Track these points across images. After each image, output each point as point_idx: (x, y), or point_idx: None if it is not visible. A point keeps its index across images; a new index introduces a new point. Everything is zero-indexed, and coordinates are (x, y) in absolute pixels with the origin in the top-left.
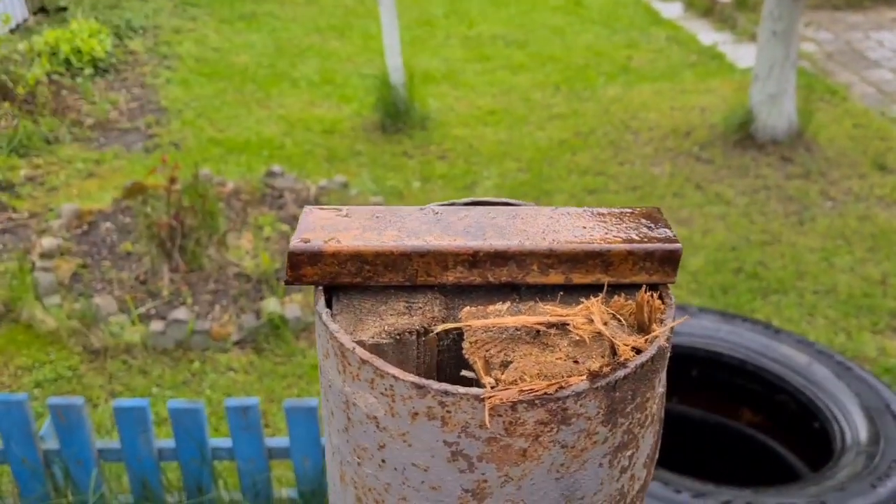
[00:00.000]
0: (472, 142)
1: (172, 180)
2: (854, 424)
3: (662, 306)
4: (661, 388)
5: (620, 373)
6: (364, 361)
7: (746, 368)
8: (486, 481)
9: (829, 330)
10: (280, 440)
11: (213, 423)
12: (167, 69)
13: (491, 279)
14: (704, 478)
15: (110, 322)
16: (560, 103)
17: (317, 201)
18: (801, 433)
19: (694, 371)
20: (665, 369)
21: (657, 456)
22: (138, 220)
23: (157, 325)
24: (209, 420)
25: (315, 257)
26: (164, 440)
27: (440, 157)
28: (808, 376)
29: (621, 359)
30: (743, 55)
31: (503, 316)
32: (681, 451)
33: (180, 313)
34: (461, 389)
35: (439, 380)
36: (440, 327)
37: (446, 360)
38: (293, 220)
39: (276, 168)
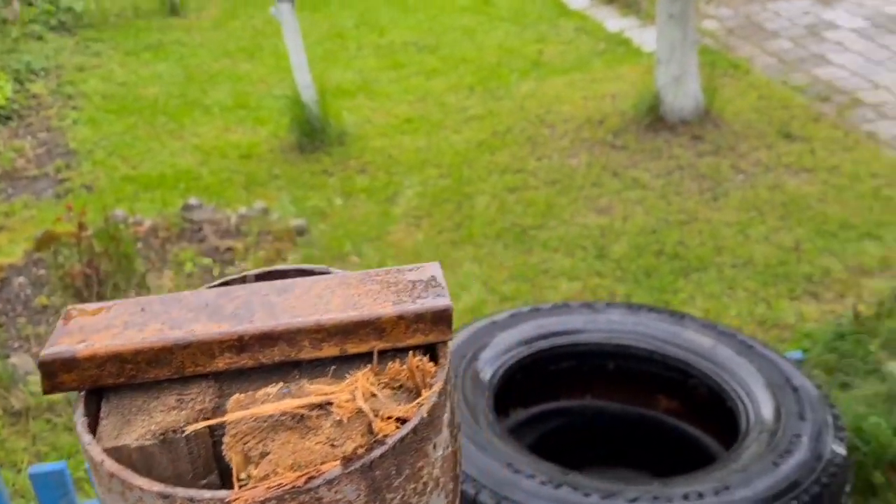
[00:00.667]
0: (392, 152)
1: (81, 226)
2: (758, 403)
3: (433, 368)
4: (441, 450)
5: (377, 452)
6: (112, 475)
7: (655, 358)
8: None
9: (749, 301)
10: None
11: None
12: (73, 109)
13: (263, 360)
14: (629, 468)
15: (29, 381)
16: (475, 104)
17: (237, 230)
18: (714, 415)
19: (610, 365)
20: (448, 429)
21: None
22: (51, 271)
23: None
24: None
25: (69, 363)
26: (91, 501)
27: (360, 171)
28: (713, 359)
29: (379, 436)
30: (648, 39)
31: (271, 400)
32: (604, 446)
33: None
34: (206, 494)
35: (221, 470)
36: (191, 427)
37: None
38: (215, 253)
39: (194, 201)
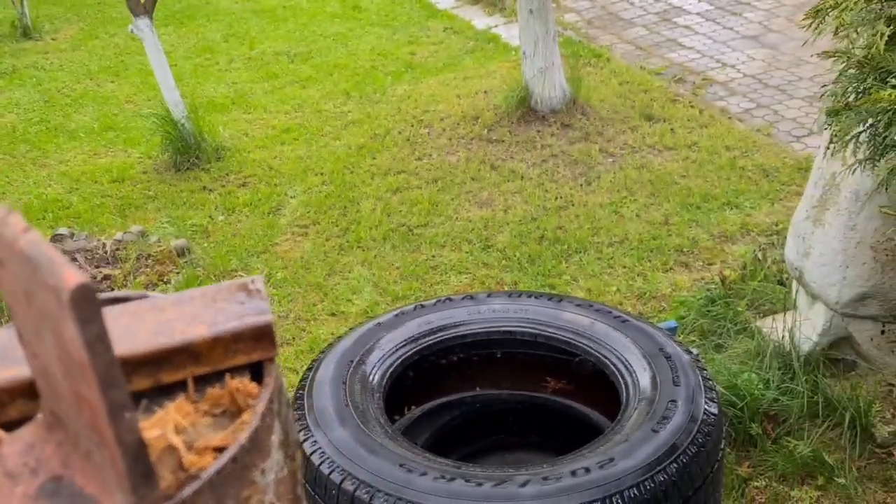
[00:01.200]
0: (272, 163)
1: None
2: (636, 374)
3: (256, 389)
4: (272, 475)
5: (188, 490)
6: None
7: (539, 341)
8: None
9: (627, 277)
10: None
11: None
12: None
13: None
14: (527, 452)
15: None
16: (353, 109)
17: (114, 256)
18: (600, 390)
19: (497, 353)
20: (280, 450)
21: None
22: None
23: None
24: None
25: None
26: None
27: (241, 185)
28: (591, 336)
29: (192, 470)
30: (515, 34)
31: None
32: (500, 433)
33: None
34: None
35: None
36: None
37: None
38: (91, 281)
39: (63, 230)
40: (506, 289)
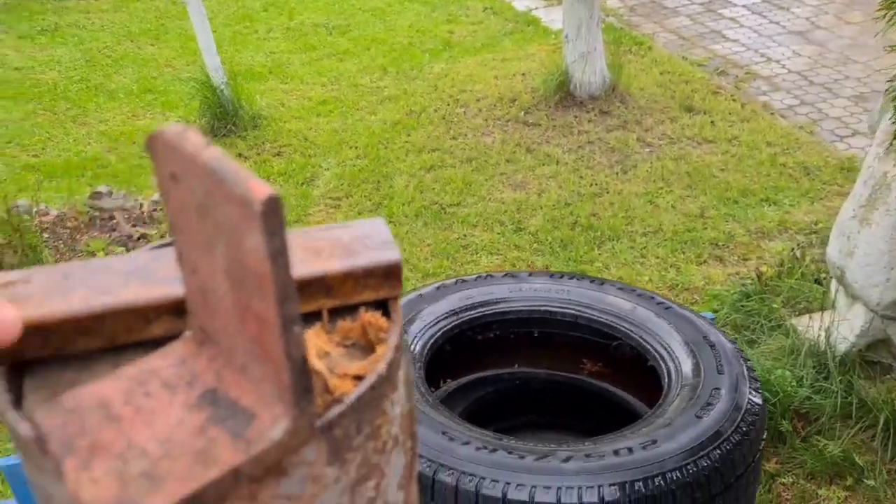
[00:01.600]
0: (307, 134)
1: None
2: (678, 360)
3: (386, 323)
4: (399, 407)
5: (335, 411)
6: (45, 452)
7: (579, 322)
8: None
9: (660, 268)
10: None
11: None
12: None
13: None
14: (559, 432)
15: None
16: (389, 85)
17: (150, 217)
18: (638, 375)
19: (535, 332)
20: (404, 386)
21: (416, 472)
22: None
23: None
24: None
25: None
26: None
27: (276, 155)
28: (633, 320)
29: (336, 394)
30: (555, 18)
31: None
32: (535, 412)
33: None
34: None
35: None
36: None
37: None
38: (128, 241)
39: (103, 188)
40: None
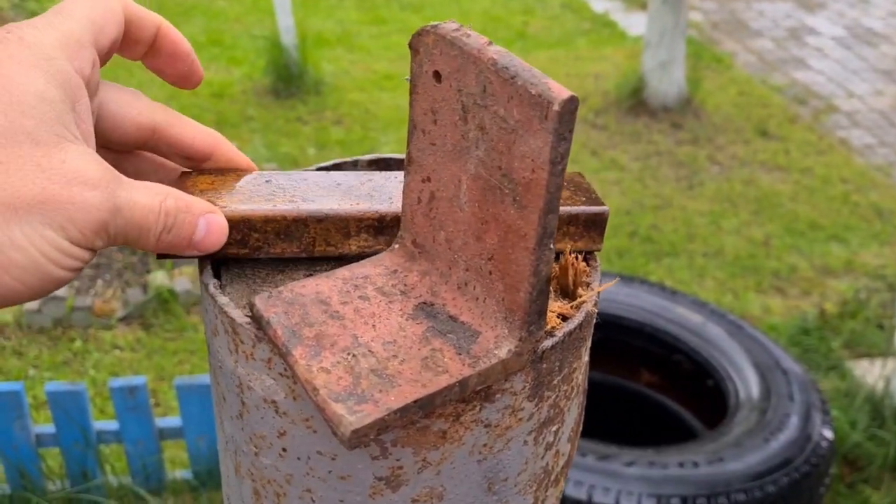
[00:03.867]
0: (369, 107)
1: None
2: (746, 381)
3: (588, 269)
4: (586, 356)
5: (548, 343)
6: (260, 339)
7: (645, 330)
8: (401, 468)
9: (717, 290)
10: (171, 420)
11: (99, 404)
12: None
13: None
14: (606, 439)
15: None
16: None
17: None
18: (696, 391)
19: (596, 335)
20: (591, 337)
21: (581, 428)
22: None
23: (31, 303)
24: (94, 402)
25: None
26: (43, 425)
27: (336, 123)
28: (702, 336)
29: (548, 327)
30: (633, 23)
31: None
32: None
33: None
34: None
35: None
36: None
37: None
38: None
39: None
40: None
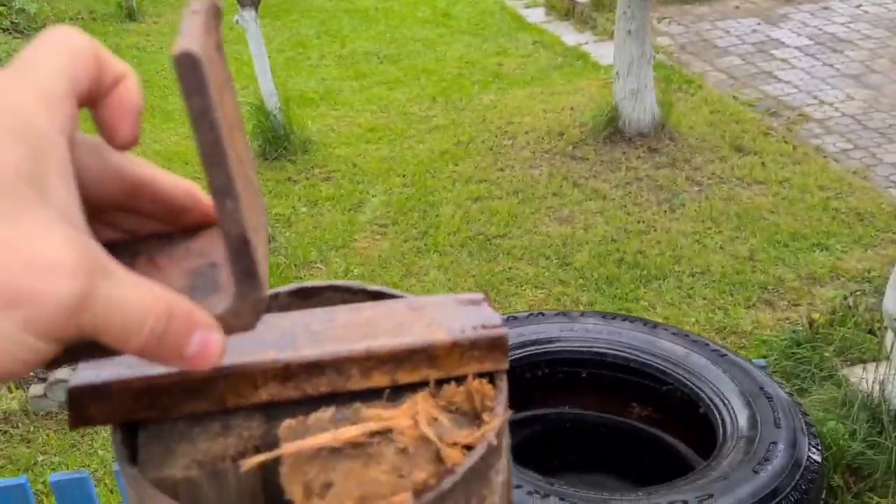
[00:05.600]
0: (356, 161)
1: None
2: (733, 411)
3: (493, 392)
4: (501, 476)
5: (448, 482)
6: None
7: (630, 365)
8: None
9: (707, 309)
10: None
11: (109, 483)
12: None
13: (309, 391)
14: (603, 474)
15: None
16: (438, 114)
17: None
18: (688, 422)
19: (583, 373)
20: (504, 456)
21: None
22: None
23: (36, 389)
24: (103, 482)
25: (101, 394)
26: None
27: (325, 179)
28: (687, 366)
29: (448, 465)
30: (604, 53)
31: (325, 425)
32: (578, 453)
33: (61, 372)
34: None
35: (266, 500)
36: (248, 463)
37: (272, 479)
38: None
39: None
40: (581, 308)
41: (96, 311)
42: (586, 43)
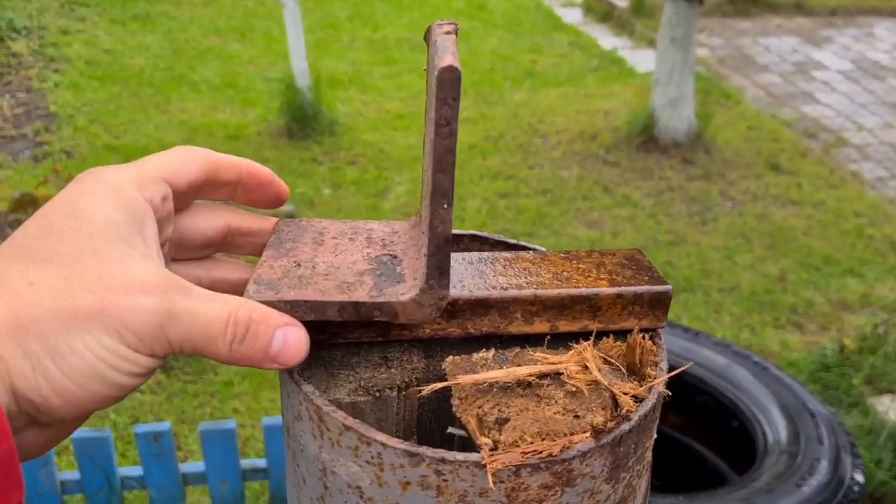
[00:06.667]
0: (383, 147)
1: None
2: (774, 424)
3: (654, 348)
4: (655, 433)
5: (625, 426)
6: (347, 427)
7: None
8: None
9: (733, 326)
10: (195, 465)
11: (120, 448)
12: (55, 72)
13: (471, 330)
14: None
15: None
16: (468, 107)
17: None
18: (721, 433)
19: None
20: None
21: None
22: None
23: None
24: (115, 445)
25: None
26: (68, 472)
27: (350, 163)
28: (727, 377)
29: (623, 410)
30: (641, 60)
31: (489, 365)
32: None
33: None
34: (459, 456)
35: (419, 435)
36: (427, 389)
37: (426, 414)
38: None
39: None
40: None
41: (180, 324)
42: (623, 48)
